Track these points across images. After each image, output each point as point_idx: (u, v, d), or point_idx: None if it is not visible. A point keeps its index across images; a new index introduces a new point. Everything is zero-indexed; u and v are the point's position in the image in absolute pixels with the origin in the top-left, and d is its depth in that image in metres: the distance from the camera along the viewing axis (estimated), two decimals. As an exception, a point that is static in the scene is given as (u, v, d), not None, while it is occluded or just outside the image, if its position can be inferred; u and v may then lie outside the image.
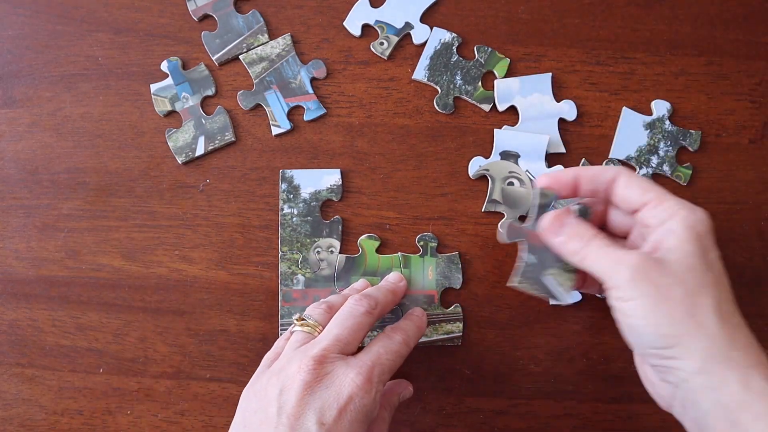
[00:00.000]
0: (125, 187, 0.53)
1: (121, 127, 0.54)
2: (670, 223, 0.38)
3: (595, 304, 0.52)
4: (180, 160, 0.53)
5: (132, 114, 0.54)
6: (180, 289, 0.52)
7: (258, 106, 0.54)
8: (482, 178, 0.52)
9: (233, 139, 0.53)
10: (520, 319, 0.52)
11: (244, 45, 0.54)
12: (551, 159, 0.53)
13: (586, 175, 0.42)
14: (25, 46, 0.55)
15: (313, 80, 0.54)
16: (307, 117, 0.53)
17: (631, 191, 0.41)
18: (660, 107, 0.53)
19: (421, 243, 0.52)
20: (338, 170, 0.53)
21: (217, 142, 0.53)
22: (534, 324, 0.52)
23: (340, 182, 0.52)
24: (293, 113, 0.54)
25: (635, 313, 0.37)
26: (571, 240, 0.41)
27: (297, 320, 0.43)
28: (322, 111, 0.53)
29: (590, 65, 0.54)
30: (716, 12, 0.55)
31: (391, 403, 0.46)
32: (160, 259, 0.52)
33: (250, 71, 0.54)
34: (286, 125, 0.53)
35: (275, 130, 0.53)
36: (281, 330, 0.51)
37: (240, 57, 0.54)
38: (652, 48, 0.54)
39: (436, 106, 0.53)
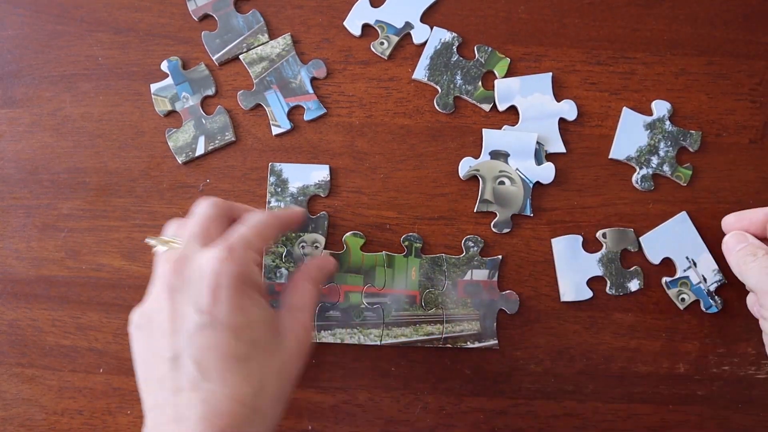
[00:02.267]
0: (125, 187, 0.53)
1: (121, 127, 0.54)
2: None
3: (595, 304, 0.52)
4: (180, 160, 0.53)
5: (132, 114, 0.54)
6: (180, 289, 0.52)
7: (258, 105, 0.54)
8: (474, 178, 0.53)
9: (233, 138, 0.53)
10: (520, 319, 0.52)
11: (244, 45, 0.54)
12: (552, 159, 0.53)
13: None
14: (25, 46, 0.55)
15: (313, 80, 0.54)
16: (307, 117, 0.53)
17: None
18: (660, 107, 0.53)
19: (406, 243, 0.52)
20: (327, 166, 0.53)
21: (217, 141, 0.53)
22: (534, 324, 0.52)
23: (329, 178, 0.53)
24: (293, 113, 0.54)
25: None
26: (746, 252, 0.46)
27: (155, 244, 0.42)
28: (322, 111, 0.53)
29: (590, 65, 0.54)
30: (716, 12, 0.55)
31: (311, 275, 0.45)
32: (160, 259, 0.52)
33: (250, 71, 0.54)
34: (286, 125, 0.53)
35: (275, 130, 0.53)
36: None
37: (240, 57, 0.54)
38: (652, 48, 0.54)
39: (436, 105, 0.53)
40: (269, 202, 0.52)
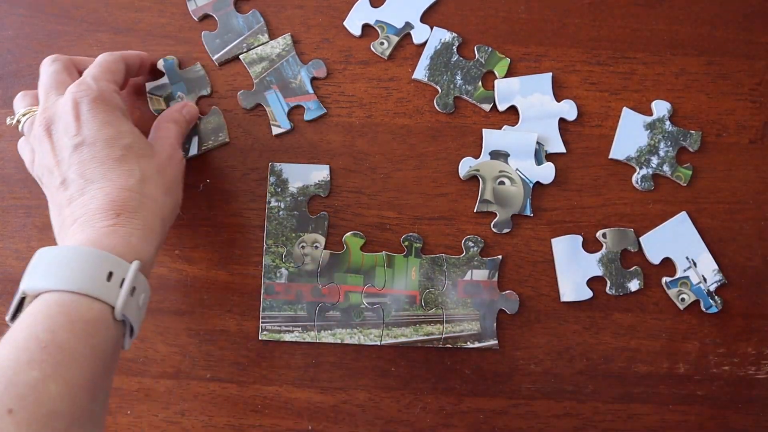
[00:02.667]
0: (125, 187, 0.53)
1: (121, 127, 0.54)
2: None
3: (595, 304, 0.52)
4: None
5: (131, 114, 0.54)
6: (180, 289, 0.52)
7: (258, 105, 0.54)
8: (474, 178, 0.52)
9: (227, 140, 0.53)
10: (520, 319, 0.52)
11: (245, 45, 0.54)
12: (552, 159, 0.53)
13: None
14: (25, 46, 0.55)
15: (313, 80, 0.54)
16: (307, 117, 0.53)
17: None
18: (660, 107, 0.53)
19: (406, 243, 0.52)
20: (327, 166, 0.53)
21: (210, 142, 0.53)
22: (534, 324, 0.52)
23: (329, 178, 0.53)
24: (293, 113, 0.54)
25: None
26: None
27: (14, 120, 0.46)
28: (322, 111, 0.53)
29: (590, 65, 0.54)
30: (716, 12, 0.55)
31: (172, 116, 0.48)
32: (160, 259, 0.52)
33: (250, 71, 0.54)
34: (286, 125, 0.53)
35: (275, 130, 0.53)
36: (262, 323, 0.51)
37: (240, 57, 0.54)
38: (652, 48, 0.54)
39: (436, 106, 0.53)
40: (269, 202, 0.52)
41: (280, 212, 0.52)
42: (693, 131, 0.53)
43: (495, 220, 0.52)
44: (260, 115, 0.54)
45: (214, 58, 0.54)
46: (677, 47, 0.54)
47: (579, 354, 0.52)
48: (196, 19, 0.55)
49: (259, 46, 0.54)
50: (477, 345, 0.51)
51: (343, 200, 0.53)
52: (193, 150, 0.52)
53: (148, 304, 0.51)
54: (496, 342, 0.51)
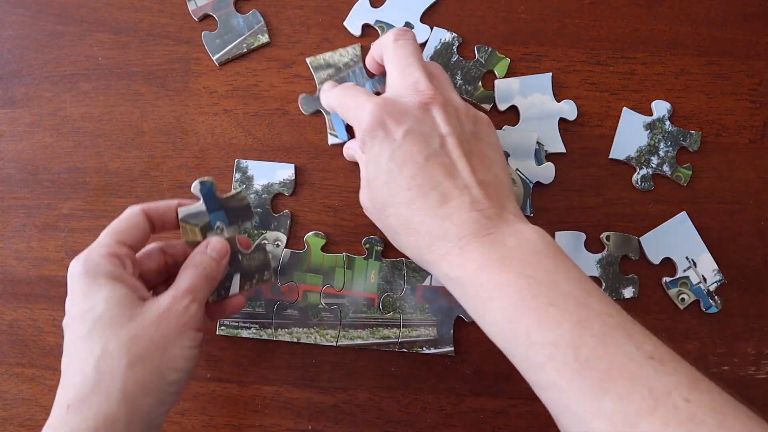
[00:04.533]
0: (125, 187, 0.53)
1: (121, 127, 0.54)
2: None
3: (595, 304, 0.52)
4: (211, 298, 0.44)
5: (132, 114, 0.54)
6: (180, 289, 0.52)
7: (318, 112, 0.53)
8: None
9: (272, 279, 0.46)
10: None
11: (245, 45, 0.54)
12: (552, 159, 0.53)
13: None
14: (25, 46, 0.55)
15: (377, 95, 0.53)
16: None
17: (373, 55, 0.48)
18: (660, 108, 0.53)
19: (367, 246, 0.52)
20: (292, 165, 0.52)
21: (254, 281, 0.46)
22: (534, 324, 0.52)
23: (293, 177, 0.52)
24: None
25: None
26: (339, 92, 0.46)
27: None
28: None
29: (590, 65, 0.54)
30: (716, 12, 0.55)
31: (193, 261, 0.42)
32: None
33: (315, 76, 0.53)
34: (343, 136, 0.53)
35: (332, 140, 0.53)
36: (220, 328, 0.51)
37: (307, 60, 0.53)
38: (652, 48, 0.54)
39: (436, 106, 0.53)
40: None
41: None
42: (693, 131, 0.53)
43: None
44: (261, 115, 0.54)
45: (214, 58, 0.54)
46: (677, 47, 0.54)
47: (579, 354, 0.52)
48: (196, 19, 0.55)
49: (260, 46, 0.54)
50: (433, 351, 0.51)
51: (344, 200, 0.53)
52: (234, 289, 0.44)
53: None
54: (452, 349, 0.51)
